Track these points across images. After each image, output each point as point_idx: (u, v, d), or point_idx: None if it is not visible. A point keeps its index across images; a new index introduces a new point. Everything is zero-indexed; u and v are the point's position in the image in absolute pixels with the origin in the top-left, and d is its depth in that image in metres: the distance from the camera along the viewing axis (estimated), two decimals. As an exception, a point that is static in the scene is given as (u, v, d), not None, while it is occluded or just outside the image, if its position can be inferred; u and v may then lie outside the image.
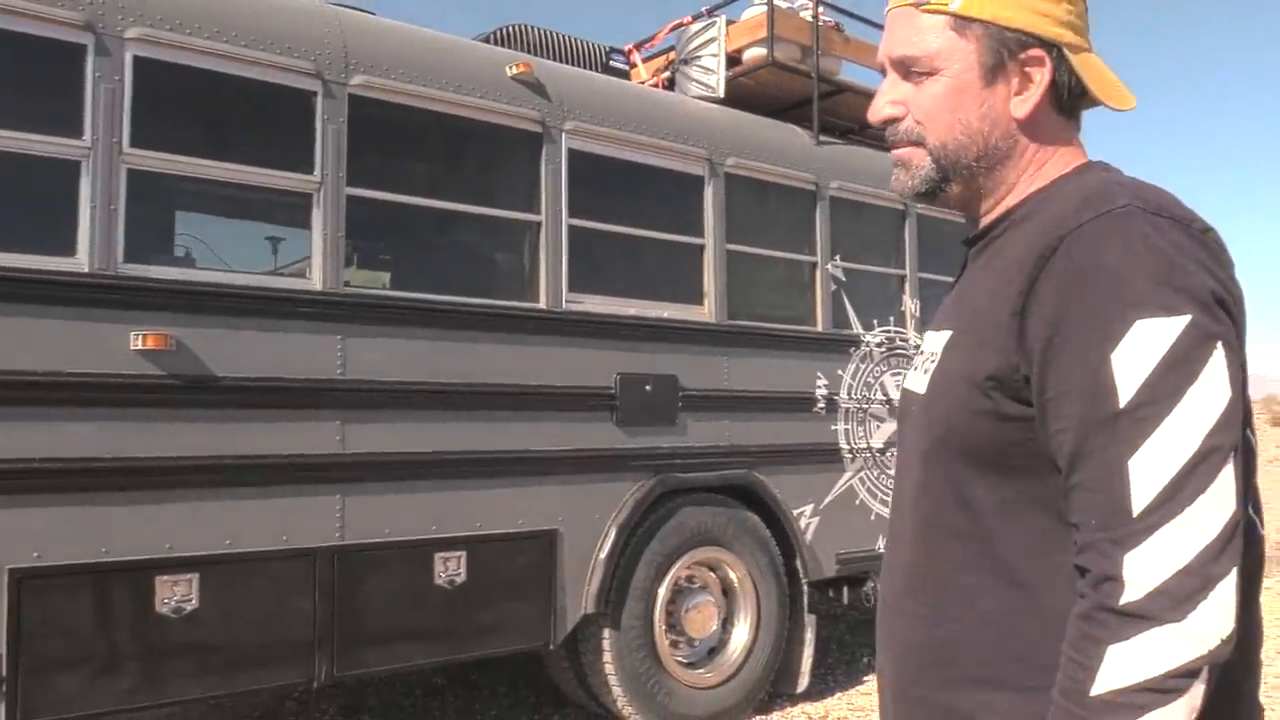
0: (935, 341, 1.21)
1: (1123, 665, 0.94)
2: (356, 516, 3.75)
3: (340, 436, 3.73)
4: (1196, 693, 0.93)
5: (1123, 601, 0.94)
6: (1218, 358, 0.97)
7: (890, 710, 1.24)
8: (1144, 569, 0.94)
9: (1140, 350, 0.97)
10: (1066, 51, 1.14)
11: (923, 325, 5.84)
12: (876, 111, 1.22)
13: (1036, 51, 1.14)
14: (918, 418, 1.20)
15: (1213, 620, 0.93)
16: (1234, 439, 0.97)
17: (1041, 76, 1.14)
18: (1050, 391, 1.02)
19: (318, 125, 3.75)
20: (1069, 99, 1.17)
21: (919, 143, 1.19)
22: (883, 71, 1.23)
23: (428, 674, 5.46)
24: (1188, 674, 0.93)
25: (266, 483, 3.56)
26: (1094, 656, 0.96)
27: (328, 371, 3.72)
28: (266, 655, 3.54)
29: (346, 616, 3.69)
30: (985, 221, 1.23)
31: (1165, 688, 0.93)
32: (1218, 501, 0.95)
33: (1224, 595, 0.94)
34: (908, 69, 1.19)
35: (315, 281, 3.74)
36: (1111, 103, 1.17)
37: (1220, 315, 1.00)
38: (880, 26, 5.38)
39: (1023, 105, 1.15)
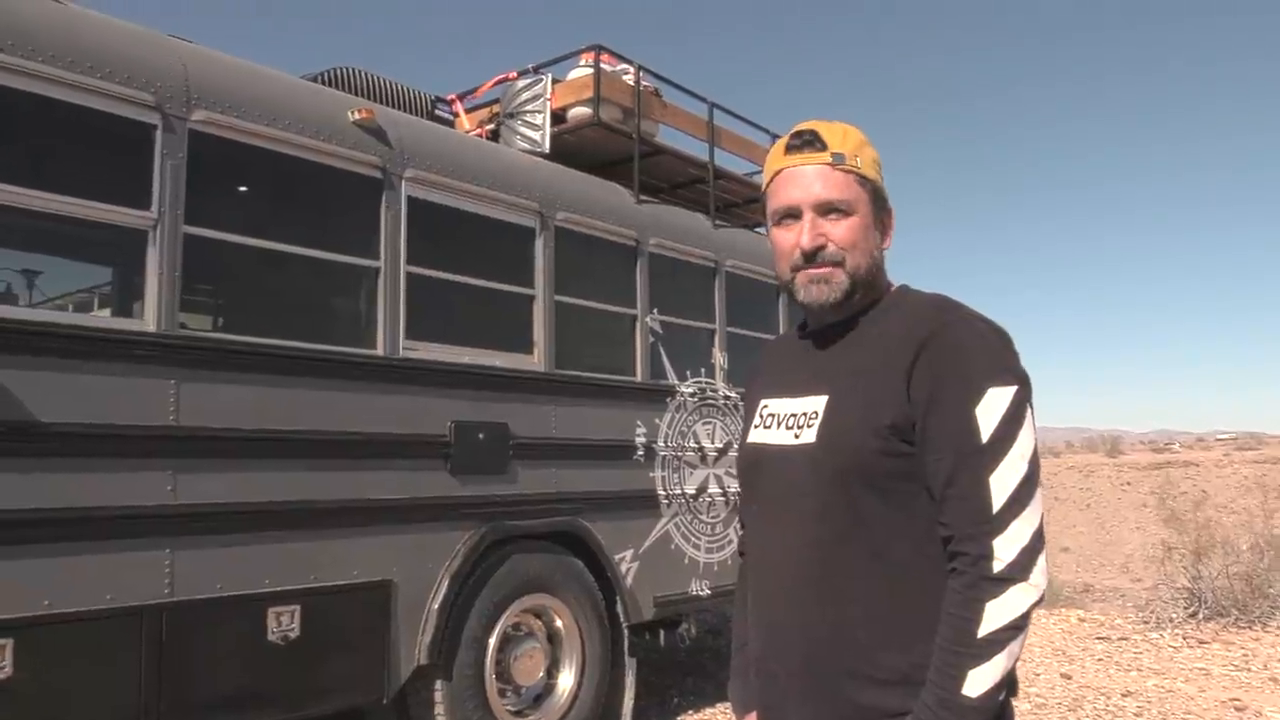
0: (809, 404, 1.61)
1: (997, 614, 1.41)
2: (187, 571, 3.54)
3: (172, 486, 3.52)
4: (1029, 628, 1.44)
5: (995, 571, 1.42)
6: (1030, 414, 1.50)
7: (795, 693, 1.57)
8: (1006, 548, 1.43)
9: (992, 407, 1.47)
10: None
11: (730, 377, 6.18)
12: (811, 241, 1.60)
13: (890, 207, 1.68)
14: (805, 461, 1.58)
15: (1042, 576, 1.44)
16: (1039, 465, 1.49)
17: (892, 222, 1.68)
18: (931, 432, 1.48)
19: (156, 159, 3.58)
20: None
21: (839, 264, 1.60)
22: (796, 213, 1.62)
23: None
24: (1029, 614, 1.43)
25: (91, 536, 3.32)
26: (977, 611, 1.41)
27: (160, 418, 3.52)
28: (88, 725, 3.28)
29: (175, 679, 3.47)
30: (842, 315, 1.65)
31: (1019, 625, 1.42)
32: (1038, 504, 1.47)
33: (1044, 560, 1.46)
34: (829, 209, 1.60)
35: (149, 322, 3.54)
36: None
37: (1028, 387, 1.51)
38: (696, 95, 5.64)
39: (886, 242, 1.68)
